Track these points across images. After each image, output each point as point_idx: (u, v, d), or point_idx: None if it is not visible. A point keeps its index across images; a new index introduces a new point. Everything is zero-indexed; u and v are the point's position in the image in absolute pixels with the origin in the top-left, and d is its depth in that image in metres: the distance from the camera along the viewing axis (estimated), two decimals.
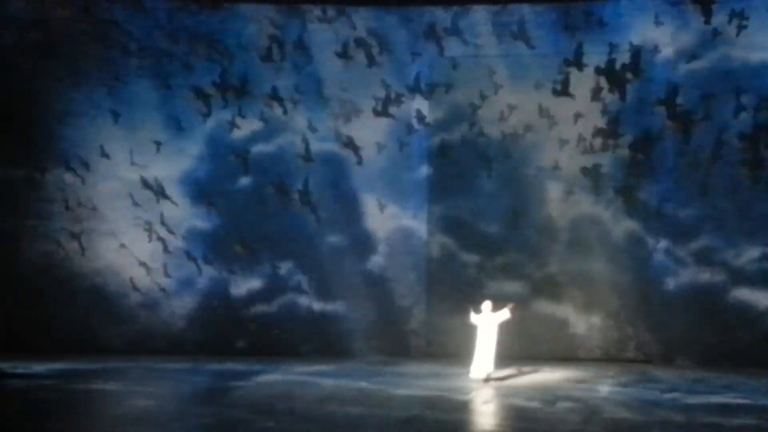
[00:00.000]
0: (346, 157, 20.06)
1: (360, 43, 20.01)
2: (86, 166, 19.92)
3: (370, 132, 20.01)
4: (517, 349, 17.43)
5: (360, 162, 20.03)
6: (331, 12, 20.00)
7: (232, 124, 20.05)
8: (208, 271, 20.09)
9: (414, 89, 20.00)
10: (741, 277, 18.45)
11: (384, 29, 20.02)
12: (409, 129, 20.03)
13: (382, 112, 20.06)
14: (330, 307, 20.00)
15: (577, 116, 19.49)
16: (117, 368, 17.45)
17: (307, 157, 20.05)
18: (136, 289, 19.97)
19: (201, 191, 20.11)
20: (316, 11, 19.99)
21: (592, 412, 13.35)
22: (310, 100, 20.07)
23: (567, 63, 19.47)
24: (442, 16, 19.86)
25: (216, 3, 19.97)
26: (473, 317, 16.29)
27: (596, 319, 19.32)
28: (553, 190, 19.62)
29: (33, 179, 19.85)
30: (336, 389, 15.23)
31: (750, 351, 18.13)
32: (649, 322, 19.05)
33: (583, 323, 19.37)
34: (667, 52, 19.01)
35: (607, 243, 19.37)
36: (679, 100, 18.92)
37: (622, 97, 19.31)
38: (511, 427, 12.71)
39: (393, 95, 20.00)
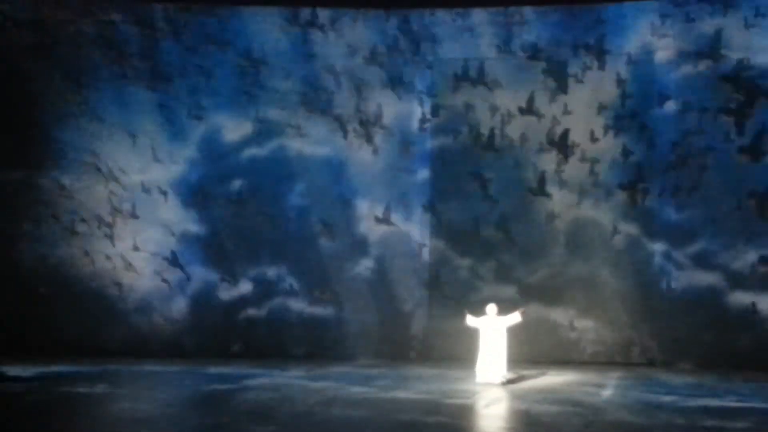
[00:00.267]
0: (346, 159, 20.02)
1: (359, 46, 20.00)
2: (83, 168, 19.86)
3: (370, 134, 19.98)
4: (520, 353, 17.42)
5: (359, 164, 20.00)
6: (329, 15, 19.99)
7: (230, 128, 20.02)
8: (207, 274, 20.04)
9: (413, 92, 19.98)
10: (741, 280, 18.48)
11: (384, 32, 20.01)
12: (409, 132, 20.00)
13: (380, 115, 20.04)
14: (329, 311, 19.96)
15: (577, 118, 19.50)
16: (108, 371, 17.37)
17: (306, 160, 20.02)
18: (130, 292, 19.90)
19: (196, 195, 20.05)
20: (314, 13, 19.97)
21: (595, 414, 13.35)
22: (306, 104, 20.03)
23: (567, 66, 19.49)
24: (442, 18, 19.84)
25: (216, 5, 19.94)
26: (472, 320, 16.26)
27: (598, 323, 19.32)
28: (553, 194, 19.61)
29: (29, 181, 19.78)
30: (337, 393, 15.17)
31: (752, 354, 18.16)
32: (651, 325, 19.06)
33: (585, 327, 19.36)
34: (667, 53, 19.03)
35: (608, 246, 19.36)
36: (679, 102, 18.96)
37: (622, 100, 19.33)
38: (513, 430, 12.69)
39: (392, 98, 19.99)
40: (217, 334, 19.91)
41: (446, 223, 19.91)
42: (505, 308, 16.40)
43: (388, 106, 20.03)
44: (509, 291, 19.30)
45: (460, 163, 19.88)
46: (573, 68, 19.52)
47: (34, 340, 19.17)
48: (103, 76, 19.82)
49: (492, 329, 16.05)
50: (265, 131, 20.05)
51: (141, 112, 19.94)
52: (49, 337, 19.30)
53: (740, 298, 18.54)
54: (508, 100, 19.74)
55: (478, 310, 16.51)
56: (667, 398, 14.84)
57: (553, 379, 16.91)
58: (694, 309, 18.75)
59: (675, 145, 19.00)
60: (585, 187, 19.48)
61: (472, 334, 16.41)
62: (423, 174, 20.01)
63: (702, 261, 18.79)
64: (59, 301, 19.66)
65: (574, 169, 19.54)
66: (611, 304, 19.28)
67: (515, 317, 16.12)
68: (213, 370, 17.73)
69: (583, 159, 19.51)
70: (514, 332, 16.33)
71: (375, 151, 20.03)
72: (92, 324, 19.68)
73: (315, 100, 20.04)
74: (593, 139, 19.48)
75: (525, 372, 17.16)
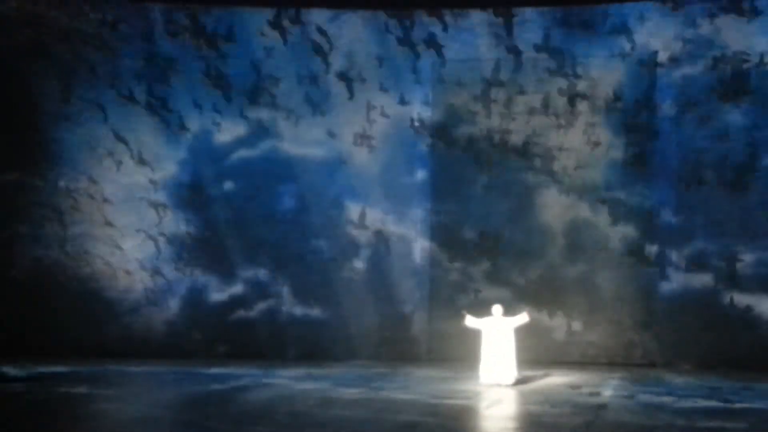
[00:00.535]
0: (345, 159, 20.00)
1: (358, 46, 19.98)
2: (80, 169, 19.82)
3: (369, 134, 19.96)
4: (521, 355, 17.37)
5: (359, 165, 19.98)
6: (328, 15, 19.97)
7: (229, 129, 19.99)
8: (205, 275, 20.00)
9: (412, 92, 19.96)
10: (741, 281, 18.48)
11: (382, 33, 19.99)
12: (408, 133, 19.99)
13: (379, 115, 20.02)
14: (326, 313, 19.93)
15: (576, 119, 19.50)
16: (108, 372, 17.35)
17: (305, 160, 19.99)
18: (127, 293, 19.85)
19: (191, 196, 20.01)
20: (313, 15, 19.96)
21: (596, 415, 13.34)
22: (302, 104, 20.01)
23: (566, 66, 19.49)
24: (441, 18, 19.83)
25: (212, 5, 19.92)
26: (473, 321, 16.22)
27: (599, 325, 19.29)
28: (553, 195, 19.60)
29: (26, 182, 19.74)
30: (337, 394, 15.14)
31: (752, 354, 18.17)
32: (651, 326, 19.05)
33: (586, 328, 19.33)
34: (666, 55, 19.04)
35: (608, 248, 19.33)
36: (679, 102, 18.96)
37: (622, 101, 19.32)
38: (514, 431, 12.67)
39: (390, 99, 19.98)
40: (215, 334, 19.85)
41: (444, 225, 19.87)
42: (505, 309, 16.35)
43: (386, 107, 19.99)
44: (508, 292, 19.24)
45: (458, 164, 19.85)
46: (573, 68, 19.50)
47: (34, 340, 19.13)
48: (99, 77, 19.78)
49: (497, 330, 15.98)
50: (259, 132, 20.01)
51: (137, 113, 19.90)
52: (48, 337, 19.26)
53: (740, 299, 18.55)
54: (507, 100, 19.71)
55: (477, 311, 16.48)
56: (668, 399, 14.84)
57: (555, 380, 16.89)
58: (694, 310, 18.73)
59: (674, 145, 18.99)
60: (585, 188, 19.44)
61: (472, 335, 16.38)
62: (421, 175, 19.99)
63: (702, 262, 18.78)
64: (58, 302, 19.60)
65: (573, 167, 19.48)
66: (612, 306, 19.25)
67: (523, 318, 16.06)
68: (213, 370, 17.69)
69: (581, 160, 19.48)
70: (515, 334, 16.29)
71: (372, 152, 19.99)
72: (91, 325, 19.62)
73: (311, 100, 20.00)
74: (591, 140, 19.46)
75: (526, 373, 17.13)
